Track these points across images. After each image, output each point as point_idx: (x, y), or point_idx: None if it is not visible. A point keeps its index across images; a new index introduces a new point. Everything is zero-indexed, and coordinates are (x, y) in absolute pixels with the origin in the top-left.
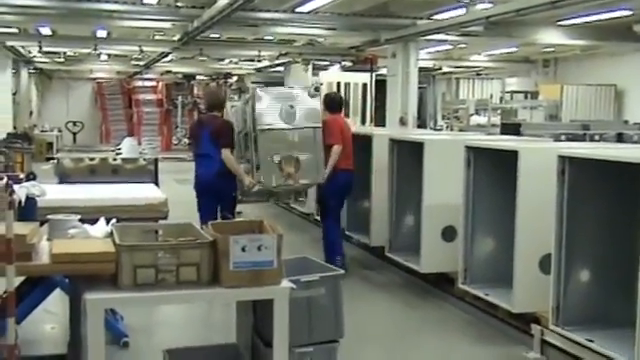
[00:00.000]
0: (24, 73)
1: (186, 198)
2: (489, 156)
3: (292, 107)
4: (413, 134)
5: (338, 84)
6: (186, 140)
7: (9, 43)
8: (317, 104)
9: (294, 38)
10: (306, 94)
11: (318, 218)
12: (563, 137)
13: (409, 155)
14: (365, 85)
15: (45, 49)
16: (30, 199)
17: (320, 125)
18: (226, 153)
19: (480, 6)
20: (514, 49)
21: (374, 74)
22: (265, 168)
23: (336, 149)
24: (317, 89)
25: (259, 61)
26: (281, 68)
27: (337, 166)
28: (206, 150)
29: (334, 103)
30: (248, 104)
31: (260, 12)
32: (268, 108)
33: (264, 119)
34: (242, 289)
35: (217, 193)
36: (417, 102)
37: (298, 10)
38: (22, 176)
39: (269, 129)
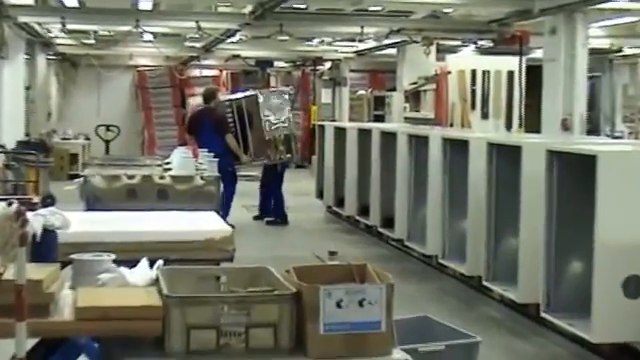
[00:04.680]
0: (41, 60)
1: (258, 230)
2: None
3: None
4: (581, 143)
5: (473, 72)
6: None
7: (22, 19)
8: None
9: (411, 8)
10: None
11: (443, 262)
12: None
13: (575, 173)
14: (511, 74)
15: (70, 27)
16: (48, 232)
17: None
18: (230, 138)
19: None
20: None
21: (524, 58)
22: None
23: None
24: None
25: (361, 41)
26: (392, 50)
27: None
28: (208, 136)
29: None
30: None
31: None
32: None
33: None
34: None
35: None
36: (587, 98)
37: None
38: (37, 200)
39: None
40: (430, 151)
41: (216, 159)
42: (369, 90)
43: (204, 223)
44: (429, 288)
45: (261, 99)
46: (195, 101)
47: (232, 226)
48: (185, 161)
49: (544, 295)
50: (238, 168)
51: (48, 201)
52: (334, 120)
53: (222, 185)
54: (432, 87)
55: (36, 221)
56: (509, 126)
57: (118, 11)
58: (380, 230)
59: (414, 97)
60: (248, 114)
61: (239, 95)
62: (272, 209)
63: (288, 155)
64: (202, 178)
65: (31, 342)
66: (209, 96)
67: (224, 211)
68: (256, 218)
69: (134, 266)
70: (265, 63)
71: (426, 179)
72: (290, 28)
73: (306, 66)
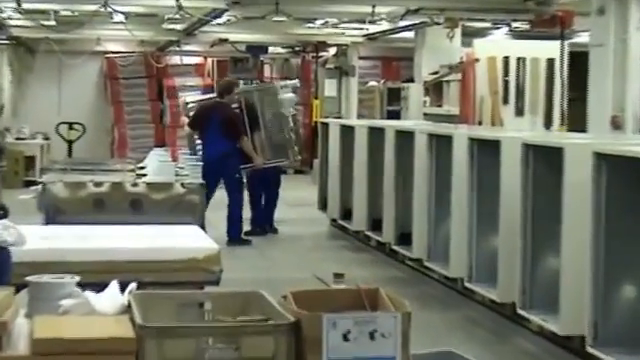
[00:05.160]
0: None
1: (249, 247)
2: None
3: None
4: (635, 145)
5: (505, 60)
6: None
7: None
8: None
9: None
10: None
11: (469, 286)
12: None
13: (628, 180)
14: (551, 62)
15: (26, 6)
16: (0, 250)
17: None
18: (244, 141)
19: None
20: None
21: (567, 44)
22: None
23: None
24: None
25: (372, 23)
26: (410, 34)
27: None
28: (214, 135)
29: None
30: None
31: None
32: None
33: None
34: None
35: (222, 173)
36: None
37: None
38: None
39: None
40: (454, 154)
41: (223, 162)
42: (382, 81)
43: (185, 239)
44: (453, 317)
45: (281, 92)
46: (186, 95)
47: (248, 242)
48: (163, 165)
49: (591, 326)
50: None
51: (0, 213)
52: (340, 117)
53: (228, 194)
54: (457, 77)
55: None
56: (548, 124)
57: None
58: (395, 248)
59: (435, 89)
60: (262, 108)
61: (252, 86)
62: (264, 216)
63: (299, 156)
64: (183, 186)
65: None
66: (224, 90)
67: (231, 226)
68: (248, 233)
69: (102, 290)
70: (258, 49)
71: (449, 187)
72: (288, 7)
73: (307, 52)
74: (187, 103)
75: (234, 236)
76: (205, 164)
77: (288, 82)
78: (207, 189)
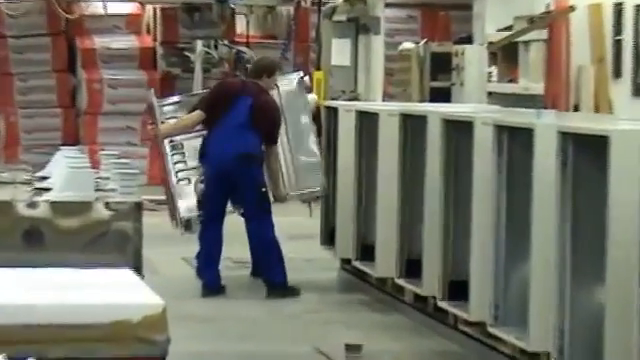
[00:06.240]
0: None
1: (215, 302)
2: None
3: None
4: None
5: (617, 9)
6: None
7: None
8: None
9: None
10: None
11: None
12: None
13: None
14: None
15: None
16: None
17: None
18: (274, 153)
19: None
20: None
21: None
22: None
23: None
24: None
25: None
26: None
27: None
28: (236, 123)
29: None
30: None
31: None
32: None
33: None
34: None
35: (234, 182)
36: None
37: None
38: None
39: None
40: (536, 157)
41: (242, 164)
42: (422, 42)
43: (112, 291)
44: None
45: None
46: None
47: (296, 291)
48: (76, 174)
49: None
50: None
51: None
52: (356, 98)
53: (247, 218)
54: (540, 37)
55: None
56: None
57: None
58: (442, 305)
59: (506, 56)
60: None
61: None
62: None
63: None
64: (108, 206)
65: None
66: (262, 69)
67: (269, 264)
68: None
69: None
70: None
71: (528, 210)
72: None
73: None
74: (150, 105)
75: (279, 280)
76: (213, 166)
77: (294, 75)
78: (209, 204)
